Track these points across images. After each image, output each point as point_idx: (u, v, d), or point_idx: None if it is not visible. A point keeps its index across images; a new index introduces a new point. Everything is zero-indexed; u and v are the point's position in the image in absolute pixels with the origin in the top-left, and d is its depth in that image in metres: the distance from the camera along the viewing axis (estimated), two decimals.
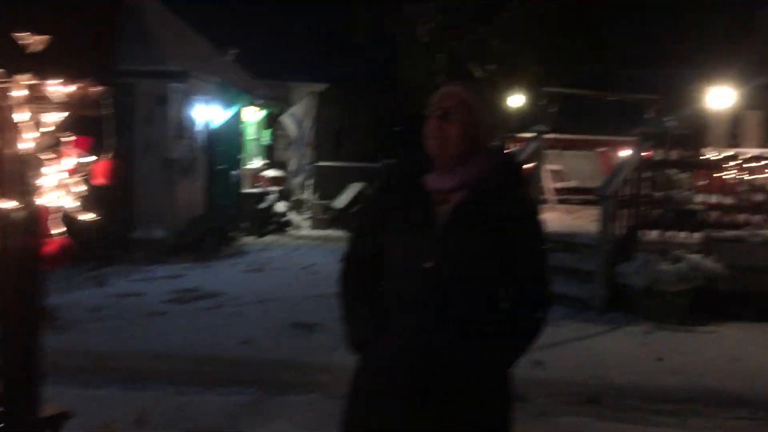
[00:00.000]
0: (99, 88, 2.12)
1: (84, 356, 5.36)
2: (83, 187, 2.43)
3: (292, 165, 15.22)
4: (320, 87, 15.69)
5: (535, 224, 2.03)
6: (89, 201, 2.46)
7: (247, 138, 13.51)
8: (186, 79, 9.93)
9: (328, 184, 15.96)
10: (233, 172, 12.19)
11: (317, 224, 14.69)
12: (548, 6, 15.60)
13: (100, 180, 2.45)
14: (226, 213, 11.29)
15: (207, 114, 10.91)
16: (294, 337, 5.90)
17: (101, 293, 7.60)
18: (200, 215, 10.72)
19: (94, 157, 2.39)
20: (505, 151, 2.20)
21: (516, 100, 13.50)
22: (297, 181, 15.50)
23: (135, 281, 8.30)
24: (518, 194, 2.04)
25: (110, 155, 2.44)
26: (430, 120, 2.02)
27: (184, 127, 10.20)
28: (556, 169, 11.18)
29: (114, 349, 5.57)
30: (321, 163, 15.69)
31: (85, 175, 2.39)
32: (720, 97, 8.47)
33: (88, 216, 2.42)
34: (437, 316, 1.94)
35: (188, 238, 9.96)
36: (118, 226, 9.67)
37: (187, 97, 10.23)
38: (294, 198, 15.27)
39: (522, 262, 1.99)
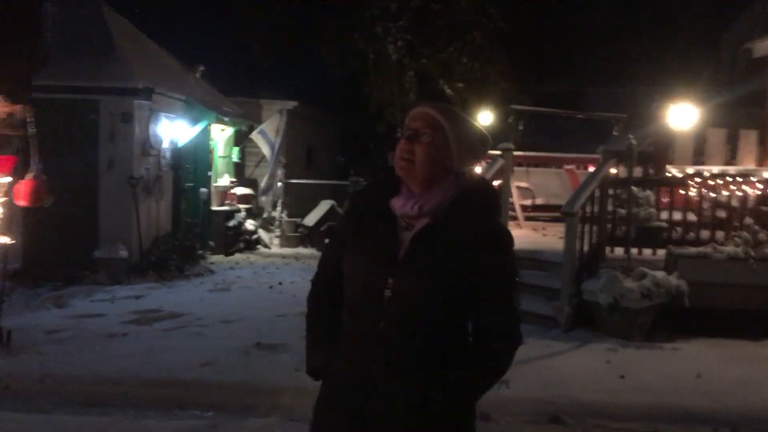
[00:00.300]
0: (21, 107, 2.04)
1: (38, 380, 5.20)
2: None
3: (263, 182, 15.13)
4: (290, 104, 15.65)
5: (503, 254, 1.93)
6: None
7: (216, 155, 13.39)
8: (151, 95, 9.82)
9: (298, 202, 15.89)
10: (202, 190, 12.05)
11: (287, 242, 14.59)
12: (516, 25, 15.78)
13: (22, 201, 2.36)
14: (193, 231, 11.15)
15: (173, 131, 10.79)
16: (256, 358, 5.80)
17: (60, 314, 7.42)
18: (166, 233, 10.57)
19: (12, 178, 2.31)
20: (476, 176, 2.06)
21: (484, 118, 13.59)
22: (267, 198, 15.41)
23: (96, 302, 8.12)
24: (485, 222, 1.92)
25: (35, 176, 2.35)
26: (400, 140, 1.95)
27: (149, 145, 10.07)
28: (523, 187, 11.24)
29: (70, 372, 5.42)
30: (291, 181, 15.61)
31: (5, 196, 2.30)
32: (683, 115, 8.58)
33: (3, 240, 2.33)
34: (392, 349, 1.86)
35: (153, 257, 9.80)
36: (81, 245, 9.53)
37: (152, 114, 10.11)
38: (264, 215, 15.16)
39: (488, 293, 1.89)
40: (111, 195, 9.71)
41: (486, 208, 1.96)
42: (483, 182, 2.08)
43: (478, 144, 2.00)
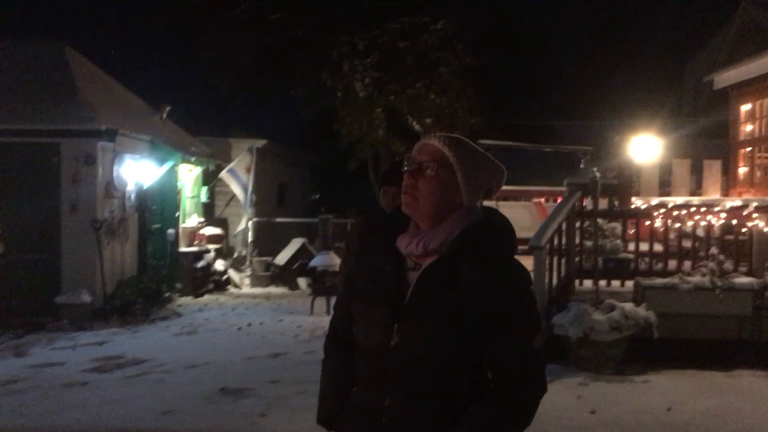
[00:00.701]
0: None
1: None
2: None
3: (240, 225, 15.00)
4: (260, 142, 15.62)
5: (516, 294, 1.78)
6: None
7: (184, 195, 13.25)
8: (115, 137, 9.69)
9: (269, 240, 15.76)
10: (169, 231, 11.88)
11: (258, 282, 14.40)
12: (483, 61, 15.98)
13: None
14: (159, 273, 10.94)
15: (139, 172, 10.66)
16: (220, 404, 5.62)
17: (19, 364, 7.18)
18: (131, 277, 10.35)
19: None
20: (487, 209, 1.90)
21: None
22: (238, 237, 15.26)
23: (57, 349, 7.87)
24: (495, 259, 1.78)
25: None
26: (405, 174, 1.84)
27: (113, 187, 9.92)
28: None
29: (24, 425, 5.20)
30: (262, 219, 15.49)
31: None
32: (646, 147, 8.67)
33: None
34: (400, 397, 1.76)
35: (117, 301, 9.58)
36: (43, 291, 9.31)
37: (117, 156, 9.98)
38: (235, 255, 14.98)
39: (503, 338, 1.75)
40: (74, 239, 9.52)
41: (496, 243, 1.82)
42: (494, 215, 1.89)
43: (490, 176, 1.86)
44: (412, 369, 1.75)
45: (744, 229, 7.32)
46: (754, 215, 7.12)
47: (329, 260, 11.16)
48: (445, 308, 1.73)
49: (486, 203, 1.92)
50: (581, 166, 11.99)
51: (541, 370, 1.83)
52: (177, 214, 12.45)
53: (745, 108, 11.23)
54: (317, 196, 25.87)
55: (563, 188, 8.28)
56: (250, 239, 15.05)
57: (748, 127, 11.20)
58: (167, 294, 10.75)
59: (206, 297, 12.40)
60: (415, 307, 1.76)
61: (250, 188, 14.39)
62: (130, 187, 10.53)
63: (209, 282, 12.91)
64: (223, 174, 14.28)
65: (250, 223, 14.96)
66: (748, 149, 11.16)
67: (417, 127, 15.99)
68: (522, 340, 1.77)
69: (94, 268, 9.50)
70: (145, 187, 10.96)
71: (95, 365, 7.00)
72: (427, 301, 1.75)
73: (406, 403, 1.76)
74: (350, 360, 1.92)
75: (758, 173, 10.92)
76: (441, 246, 1.77)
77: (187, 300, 11.76)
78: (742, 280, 6.76)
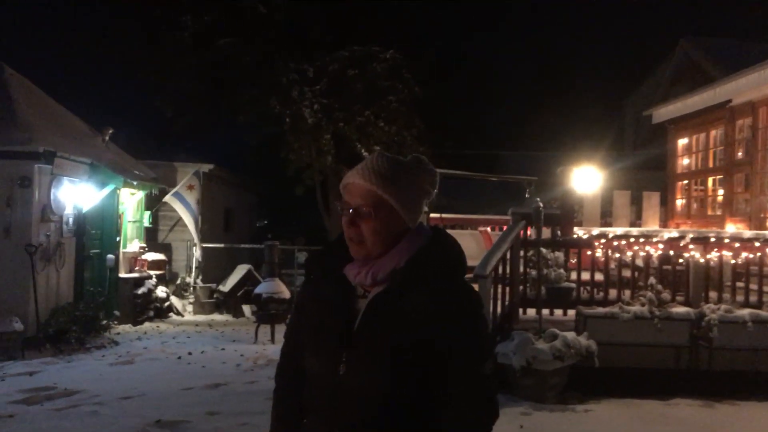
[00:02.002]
0: None
1: None
2: None
3: (178, 247, 14.69)
4: (206, 167, 15.40)
5: (467, 319, 1.73)
6: None
7: (126, 220, 12.92)
8: (53, 159, 9.40)
9: (214, 267, 15.48)
10: (108, 256, 11.54)
11: (201, 309, 14.12)
12: (432, 91, 16.20)
13: None
14: (96, 300, 10.59)
15: (78, 196, 10.35)
16: None
17: None
18: (67, 303, 9.99)
19: None
20: (433, 230, 1.85)
21: None
22: (183, 263, 14.96)
23: None
24: (444, 284, 1.74)
25: None
26: (342, 219, 1.77)
27: (50, 210, 9.60)
28: None
29: None
30: (207, 245, 15.22)
31: None
32: (587, 179, 8.85)
33: None
34: (349, 428, 1.70)
35: (51, 329, 9.21)
36: None
37: (54, 179, 9.67)
38: (178, 282, 14.65)
39: (453, 364, 1.70)
40: (6, 263, 9.15)
41: (444, 269, 1.77)
42: (440, 237, 1.83)
43: (425, 185, 1.81)
44: (360, 399, 1.70)
45: (681, 260, 7.50)
46: (690, 246, 7.30)
47: (275, 287, 11.00)
48: (393, 337, 1.69)
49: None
50: (527, 195, 12.17)
51: (494, 395, 1.79)
52: (117, 239, 12.12)
53: (683, 142, 11.62)
54: (265, 222, 25.63)
55: (508, 217, 8.37)
56: (194, 265, 14.76)
57: (685, 161, 11.58)
58: (104, 321, 10.40)
59: (146, 325, 12.07)
60: (363, 337, 1.72)
61: (195, 209, 14.12)
62: (69, 211, 10.22)
63: (150, 309, 12.58)
64: (168, 197, 14.01)
65: (196, 248, 14.69)
66: (685, 182, 11.52)
67: (366, 154, 16.04)
68: (474, 367, 1.73)
69: (27, 295, 9.14)
70: (85, 210, 10.65)
71: (24, 396, 6.68)
72: (374, 331, 1.71)
73: None
74: (299, 389, 1.87)
75: (695, 205, 11.27)
76: (390, 274, 1.74)
77: (125, 328, 11.41)
78: (680, 309, 6.91)
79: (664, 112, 11.71)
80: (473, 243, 12.16)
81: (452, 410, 1.72)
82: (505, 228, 10.30)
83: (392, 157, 1.81)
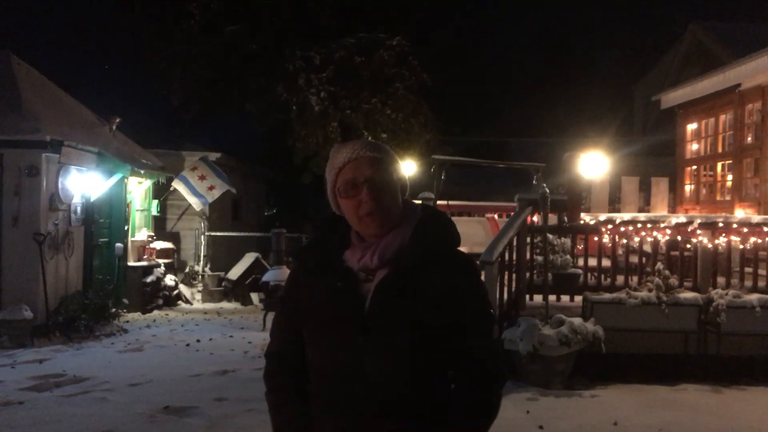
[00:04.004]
0: None
1: None
2: None
3: (187, 235, 14.73)
4: (214, 155, 15.41)
5: (474, 288, 1.80)
6: None
7: (134, 209, 12.96)
8: (60, 148, 9.43)
9: (222, 255, 15.53)
10: (117, 245, 11.59)
11: (210, 297, 14.17)
12: (439, 78, 16.12)
13: None
14: (105, 288, 10.65)
15: (85, 185, 10.39)
16: (163, 424, 5.45)
17: None
18: (76, 292, 10.05)
19: None
20: (425, 207, 1.89)
21: (408, 168, 13.67)
22: (191, 252, 15.00)
23: None
24: (448, 257, 1.78)
25: None
26: (351, 199, 1.75)
27: (58, 199, 9.64)
28: None
29: None
30: (215, 233, 15.26)
31: None
32: (595, 164, 8.80)
33: None
34: (377, 418, 1.69)
35: (60, 317, 9.28)
36: None
37: (62, 168, 9.70)
38: (186, 270, 14.71)
39: (468, 332, 1.74)
40: (15, 253, 9.20)
41: (446, 241, 1.81)
42: (433, 213, 1.89)
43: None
44: (382, 384, 1.69)
45: (689, 245, 7.46)
46: (699, 231, 7.25)
47: (282, 275, 11.02)
48: (409, 316, 1.69)
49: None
50: (534, 182, 12.11)
51: (500, 359, 1.87)
52: (126, 228, 12.17)
53: (692, 127, 11.53)
54: (273, 211, 25.67)
55: (515, 204, 8.34)
56: (203, 254, 14.81)
57: (694, 146, 11.49)
58: (113, 310, 10.46)
59: (155, 313, 12.14)
60: (378, 321, 1.70)
61: (207, 196, 14.05)
62: (76, 200, 10.26)
63: (158, 297, 12.64)
64: (176, 182, 14.00)
65: (203, 237, 14.73)
66: (694, 167, 11.44)
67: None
68: (486, 335, 1.80)
69: (37, 283, 9.20)
70: (92, 199, 10.69)
71: (34, 383, 6.74)
72: (389, 313, 1.70)
73: (382, 420, 1.70)
74: (301, 389, 1.82)
75: (704, 191, 11.19)
76: (397, 253, 1.73)
77: (134, 316, 11.48)
78: (687, 295, 6.87)
79: (673, 97, 11.62)
80: (480, 230, 12.13)
81: (471, 377, 1.76)
82: (512, 214, 10.29)
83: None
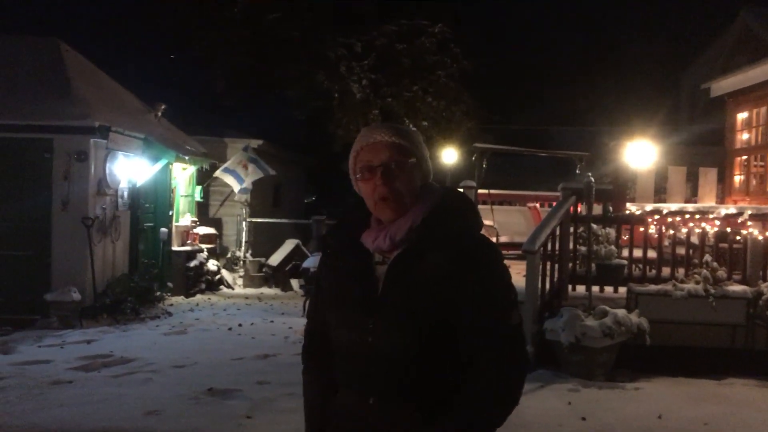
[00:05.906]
0: None
1: None
2: None
3: (229, 222, 14.91)
4: (256, 142, 15.53)
5: (488, 271, 1.74)
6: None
7: (178, 194, 13.16)
8: (108, 134, 9.62)
9: (263, 241, 15.69)
10: (162, 230, 11.80)
11: (251, 282, 14.33)
12: (481, 65, 15.97)
13: None
14: (151, 272, 10.86)
15: (132, 170, 10.58)
16: (206, 405, 5.55)
17: (5, 361, 7.08)
18: (122, 275, 10.27)
19: None
20: (444, 188, 1.88)
21: (449, 156, 13.61)
22: (233, 237, 15.19)
23: (45, 347, 7.79)
24: (462, 239, 1.75)
25: None
26: (367, 182, 1.78)
27: (105, 184, 9.84)
28: (487, 224, 11.19)
29: (7, 423, 5.12)
30: (256, 220, 15.43)
31: None
32: (641, 153, 8.63)
33: None
34: (385, 392, 1.72)
35: (107, 299, 9.49)
36: (32, 288, 9.23)
37: (109, 153, 9.90)
38: (228, 255, 14.91)
39: (480, 316, 1.71)
40: (64, 236, 9.44)
41: (460, 222, 1.79)
42: (452, 193, 1.88)
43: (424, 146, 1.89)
44: (391, 364, 1.72)
45: (738, 237, 7.28)
46: (749, 223, 7.07)
47: None
48: (416, 299, 1.71)
49: (480, 207, 1.90)
50: (577, 171, 11.95)
51: (523, 345, 1.79)
52: (170, 213, 12.37)
53: (742, 116, 11.21)
54: (313, 198, 25.81)
55: (558, 193, 8.25)
56: (244, 240, 14.99)
57: (745, 136, 11.18)
58: (158, 293, 10.67)
59: (198, 297, 12.33)
60: (387, 301, 1.73)
61: (245, 187, 14.21)
62: (123, 185, 10.47)
63: (201, 282, 12.84)
64: (219, 172, 14.17)
65: (244, 223, 14.90)
66: (744, 157, 11.14)
67: (413, 129, 15.99)
68: (500, 318, 1.73)
69: (85, 266, 9.42)
70: (138, 185, 10.89)
71: (82, 363, 6.92)
72: (397, 294, 1.72)
73: (390, 399, 1.73)
74: (329, 366, 1.88)
75: (754, 181, 10.89)
76: (407, 235, 1.75)
77: (178, 299, 11.68)
78: (736, 288, 6.72)
79: (723, 85, 11.31)
80: (522, 219, 12.04)
81: (483, 363, 1.72)
82: (554, 204, 10.17)
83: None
